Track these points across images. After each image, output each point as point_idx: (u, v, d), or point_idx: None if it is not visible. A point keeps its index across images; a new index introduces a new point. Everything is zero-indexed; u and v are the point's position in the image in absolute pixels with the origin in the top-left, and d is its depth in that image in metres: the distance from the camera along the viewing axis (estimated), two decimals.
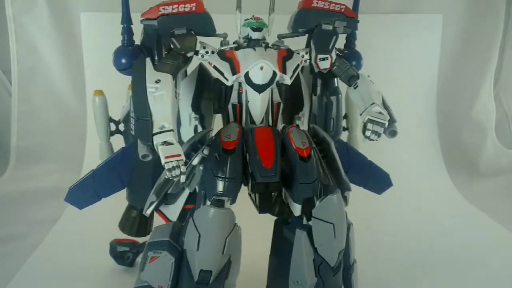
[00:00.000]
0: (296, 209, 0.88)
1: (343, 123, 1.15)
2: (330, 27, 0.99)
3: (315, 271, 0.90)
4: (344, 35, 1.09)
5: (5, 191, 1.86)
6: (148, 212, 0.95)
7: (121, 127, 1.12)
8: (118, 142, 1.11)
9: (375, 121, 0.88)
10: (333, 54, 1.00)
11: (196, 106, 1.02)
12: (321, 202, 0.88)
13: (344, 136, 1.15)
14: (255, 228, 1.07)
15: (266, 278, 1.00)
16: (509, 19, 2.25)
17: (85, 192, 0.99)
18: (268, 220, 0.98)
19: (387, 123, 0.89)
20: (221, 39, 0.97)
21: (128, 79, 0.95)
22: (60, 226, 1.60)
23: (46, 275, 1.28)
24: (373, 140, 0.89)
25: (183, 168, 0.78)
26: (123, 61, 0.96)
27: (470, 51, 2.24)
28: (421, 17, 2.14)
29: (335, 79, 1.06)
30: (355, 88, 0.98)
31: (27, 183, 1.93)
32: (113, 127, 1.12)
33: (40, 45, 2.06)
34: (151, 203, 0.93)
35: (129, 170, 1.02)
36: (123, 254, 1.28)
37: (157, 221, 1.02)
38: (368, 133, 0.88)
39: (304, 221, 0.90)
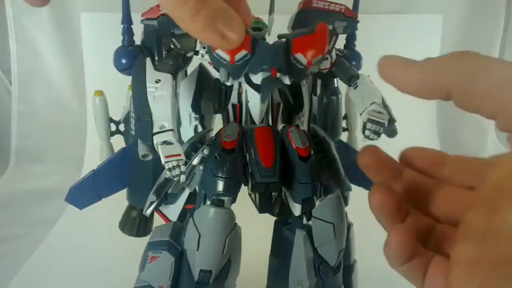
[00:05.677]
0: (296, 209, 0.88)
1: (343, 124, 1.15)
2: (330, 27, 0.99)
3: (315, 271, 0.90)
4: (344, 35, 1.09)
5: (5, 191, 1.86)
6: (148, 212, 0.94)
7: (121, 127, 1.12)
8: (118, 142, 1.11)
9: (374, 121, 0.88)
10: (333, 54, 1.00)
11: (196, 106, 1.01)
12: (321, 202, 0.87)
13: (344, 136, 1.15)
14: (255, 228, 1.07)
15: (266, 278, 1.00)
16: (509, 18, 2.25)
17: (85, 192, 0.99)
18: (268, 220, 0.98)
19: (386, 123, 0.89)
20: None
21: (128, 79, 0.95)
22: (60, 226, 1.60)
23: (46, 275, 1.29)
24: (373, 139, 0.89)
25: (183, 168, 0.78)
26: (124, 61, 0.96)
27: None
28: (421, 17, 2.14)
29: (335, 79, 1.06)
30: (355, 88, 0.98)
31: (27, 183, 1.93)
32: (113, 127, 1.11)
33: (40, 45, 2.06)
34: (151, 203, 0.93)
35: (130, 170, 1.02)
36: None
37: (157, 221, 1.02)
38: (367, 132, 0.88)
39: (304, 221, 0.90)
